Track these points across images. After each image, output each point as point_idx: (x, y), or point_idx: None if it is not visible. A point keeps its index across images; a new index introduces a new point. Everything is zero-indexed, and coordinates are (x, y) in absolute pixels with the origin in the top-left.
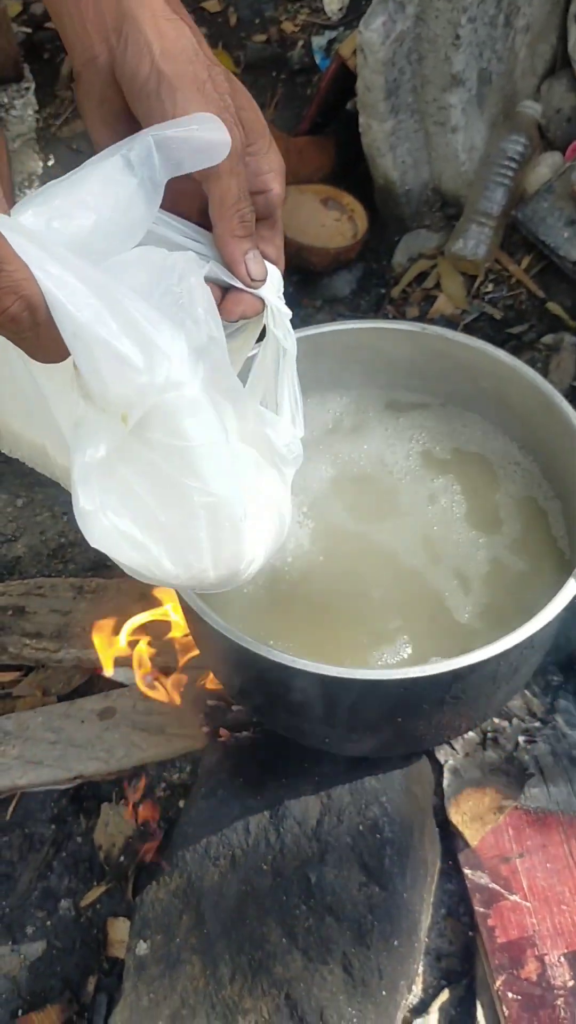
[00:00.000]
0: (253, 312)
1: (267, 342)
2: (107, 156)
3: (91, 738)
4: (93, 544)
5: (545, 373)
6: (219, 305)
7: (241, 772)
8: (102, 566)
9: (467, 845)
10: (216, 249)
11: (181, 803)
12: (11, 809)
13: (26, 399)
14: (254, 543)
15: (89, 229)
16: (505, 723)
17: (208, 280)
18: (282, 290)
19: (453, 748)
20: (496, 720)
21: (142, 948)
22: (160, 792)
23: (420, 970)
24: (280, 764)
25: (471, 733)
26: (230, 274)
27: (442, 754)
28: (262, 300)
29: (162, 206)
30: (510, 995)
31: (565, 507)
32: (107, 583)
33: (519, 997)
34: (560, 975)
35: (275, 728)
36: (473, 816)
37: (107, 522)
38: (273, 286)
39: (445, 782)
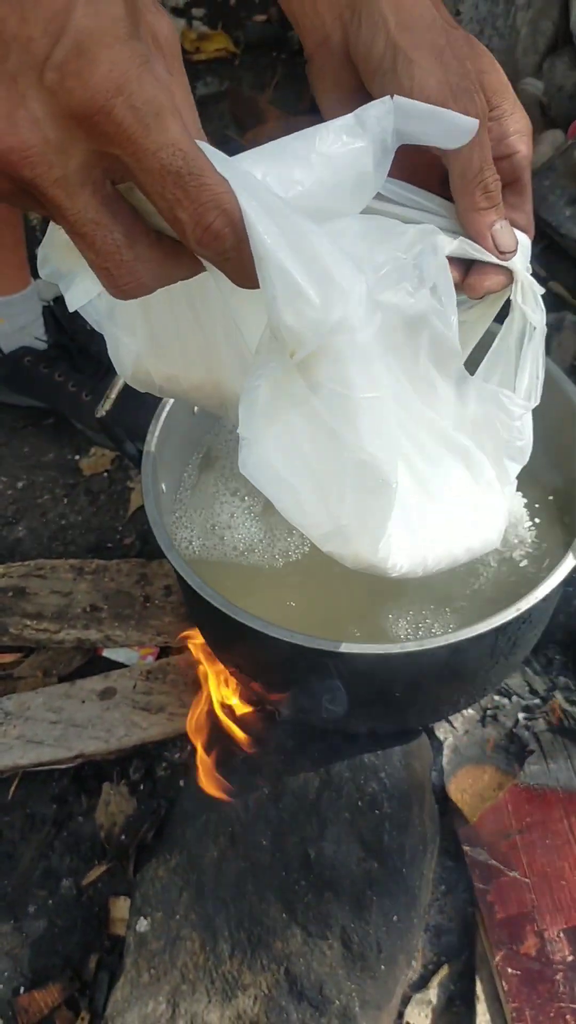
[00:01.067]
0: (500, 286)
1: (512, 319)
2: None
3: (92, 718)
4: (243, 471)
5: (547, 352)
6: (464, 281)
7: (240, 749)
8: (102, 547)
9: (466, 822)
10: (460, 223)
11: (181, 782)
12: (12, 789)
13: (191, 341)
14: (421, 537)
15: (307, 184)
16: (505, 700)
17: (453, 257)
18: (530, 260)
19: (452, 725)
20: (496, 697)
21: (142, 925)
22: (160, 771)
23: (420, 946)
24: (279, 740)
25: (470, 710)
26: (479, 247)
27: (441, 731)
28: (510, 273)
29: (400, 177)
30: (509, 970)
31: (566, 483)
32: (107, 564)
33: (518, 972)
34: (559, 950)
35: (273, 704)
36: (472, 793)
37: (262, 455)
38: (523, 256)
39: (444, 759)
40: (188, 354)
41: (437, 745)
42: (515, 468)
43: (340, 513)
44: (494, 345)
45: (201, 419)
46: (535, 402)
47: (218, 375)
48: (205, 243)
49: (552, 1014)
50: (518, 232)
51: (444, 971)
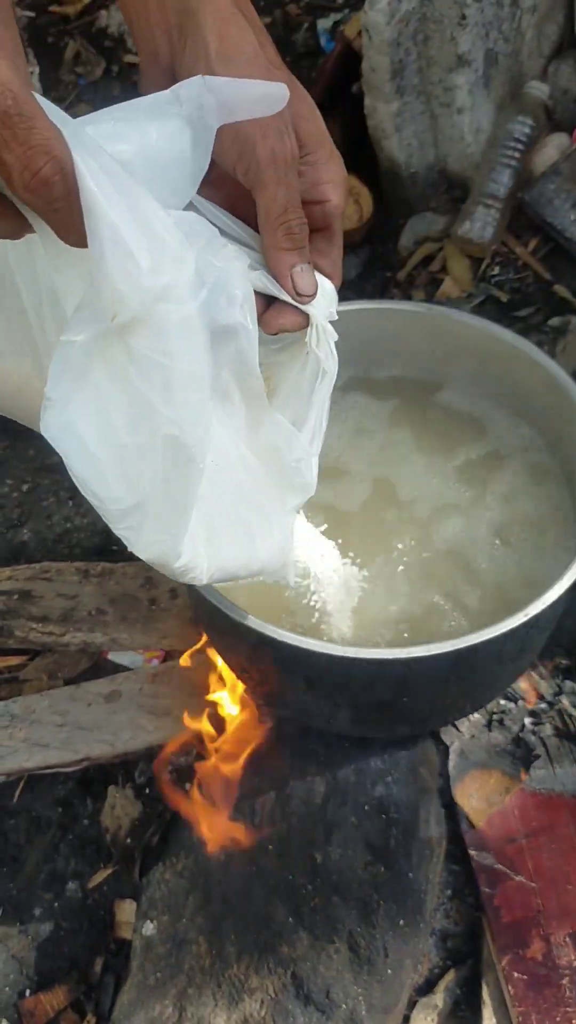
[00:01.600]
0: (295, 327)
1: (307, 360)
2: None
3: (98, 721)
4: (45, 433)
5: (552, 356)
6: (260, 316)
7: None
8: (108, 550)
9: (472, 826)
10: (264, 259)
11: (187, 785)
12: (18, 792)
13: (17, 329)
14: (218, 537)
15: (131, 152)
16: (511, 704)
17: (256, 291)
18: (335, 306)
19: (459, 730)
20: (502, 701)
21: (149, 928)
22: (166, 774)
23: (426, 950)
24: (285, 745)
25: (477, 715)
26: (278, 286)
27: (448, 735)
28: (307, 316)
29: (219, 204)
30: (516, 975)
31: (572, 486)
32: (113, 567)
33: (524, 977)
34: (565, 955)
35: (281, 709)
36: (479, 797)
37: (66, 418)
38: (324, 302)
39: (451, 763)
40: (13, 343)
41: (443, 749)
42: (296, 502)
43: (141, 488)
44: (287, 381)
45: None
46: (316, 449)
47: (28, 359)
48: (32, 188)
49: (558, 1018)
50: (322, 278)
51: (450, 975)
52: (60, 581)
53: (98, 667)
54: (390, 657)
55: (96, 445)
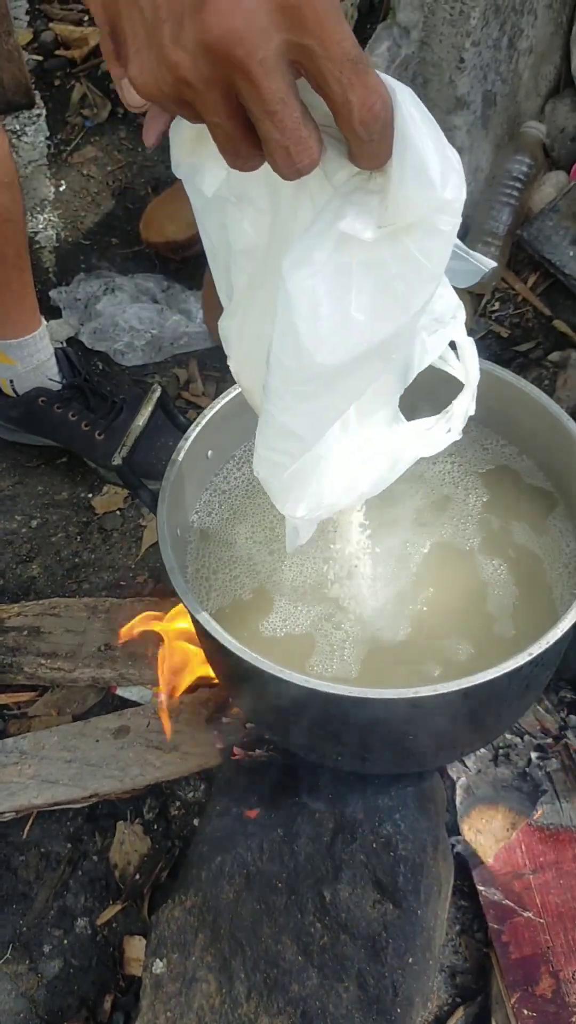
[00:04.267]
0: None
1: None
2: None
3: (106, 757)
4: (286, 287)
5: (552, 391)
6: None
7: (255, 790)
8: (116, 585)
9: (480, 862)
10: None
11: (196, 821)
12: (27, 828)
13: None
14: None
15: None
16: (517, 739)
17: None
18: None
19: (465, 765)
20: (508, 736)
21: (158, 966)
22: (174, 810)
23: (435, 987)
24: (293, 782)
25: (483, 750)
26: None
27: (454, 771)
28: None
29: None
30: (525, 1012)
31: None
32: (121, 603)
33: (534, 1014)
34: (575, 992)
35: (288, 746)
36: (486, 833)
37: (311, 280)
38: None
39: (458, 799)
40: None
41: (450, 784)
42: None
43: (339, 358)
44: None
45: (215, 461)
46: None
47: None
48: (366, 122)
49: None
50: None
51: (460, 1013)
52: (68, 617)
53: (106, 702)
54: (396, 696)
55: (327, 309)
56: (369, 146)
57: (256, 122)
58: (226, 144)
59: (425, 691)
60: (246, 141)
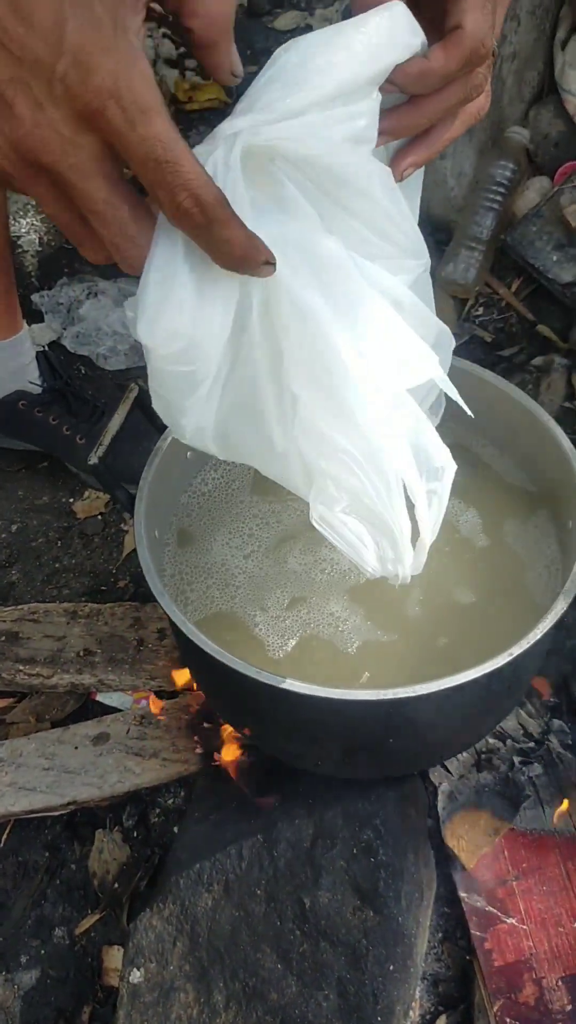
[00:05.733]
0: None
1: None
2: None
3: (85, 764)
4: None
5: (536, 395)
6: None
7: (234, 796)
8: (96, 591)
9: (463, 868)
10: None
11: (175, 828)
12: (4, 836)
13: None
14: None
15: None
16: (499, 743)
17: None
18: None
19: (447, 770)
20: (490, 740)
21: (136, 976)
22: (154, 817)
23: (417, 995)
24: (273, 788)
25: (465, 755)
26: None
27: (436, 776)
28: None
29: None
30: (508, 1020)
31: (559, 528)
32: (101, 608)
33: (517, 1022)
34: (558, 999)
35: (267, 751)
36: (468, 838)
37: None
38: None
39: (439, 804)
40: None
41: (431, 790)
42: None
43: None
44: None
45: (194, 463)
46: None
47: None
48: (177, 218)
49: None
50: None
51: (442, 1021)
52: (47, 622)
53: (86, 709)
54: (375, 698)
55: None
56: (199, 240)
57: (86, 217)
58: (67, 234)
59: (404, 692)
60: (83, 232)
